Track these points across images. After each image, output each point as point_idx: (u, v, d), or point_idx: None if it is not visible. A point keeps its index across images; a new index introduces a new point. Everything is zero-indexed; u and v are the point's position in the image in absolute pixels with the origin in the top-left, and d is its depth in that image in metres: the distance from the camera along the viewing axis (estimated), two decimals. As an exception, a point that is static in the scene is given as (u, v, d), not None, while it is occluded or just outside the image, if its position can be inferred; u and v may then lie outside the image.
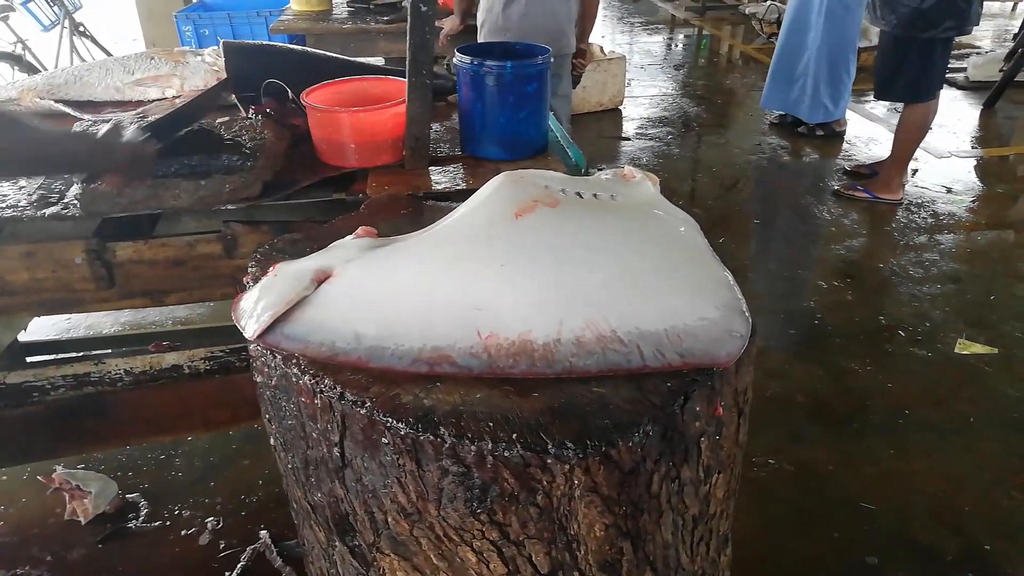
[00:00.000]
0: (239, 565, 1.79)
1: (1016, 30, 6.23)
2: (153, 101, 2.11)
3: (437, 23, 2.96)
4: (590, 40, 3.41)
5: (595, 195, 1.11)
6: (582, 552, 0.82)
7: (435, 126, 1.94)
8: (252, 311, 0.96)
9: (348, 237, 1.11)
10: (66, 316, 2.84)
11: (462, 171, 1.71)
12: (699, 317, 0.89)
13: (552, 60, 1.74)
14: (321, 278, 0.98)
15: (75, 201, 1.51)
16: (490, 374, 0.84)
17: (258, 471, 2.09)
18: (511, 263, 0.94)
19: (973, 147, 4.56)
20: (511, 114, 1.69)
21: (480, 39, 2.83)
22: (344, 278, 0.98)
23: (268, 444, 1.07)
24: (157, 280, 1.61)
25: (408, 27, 1.52)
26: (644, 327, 0.87)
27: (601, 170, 1.29)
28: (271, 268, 1.03)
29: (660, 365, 0.84)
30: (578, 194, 1.10)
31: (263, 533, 1.86)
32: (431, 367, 0.85)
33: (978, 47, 6.55)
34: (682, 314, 0.89)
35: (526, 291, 0.91)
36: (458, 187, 1.62)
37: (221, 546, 1.85)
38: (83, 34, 5.53)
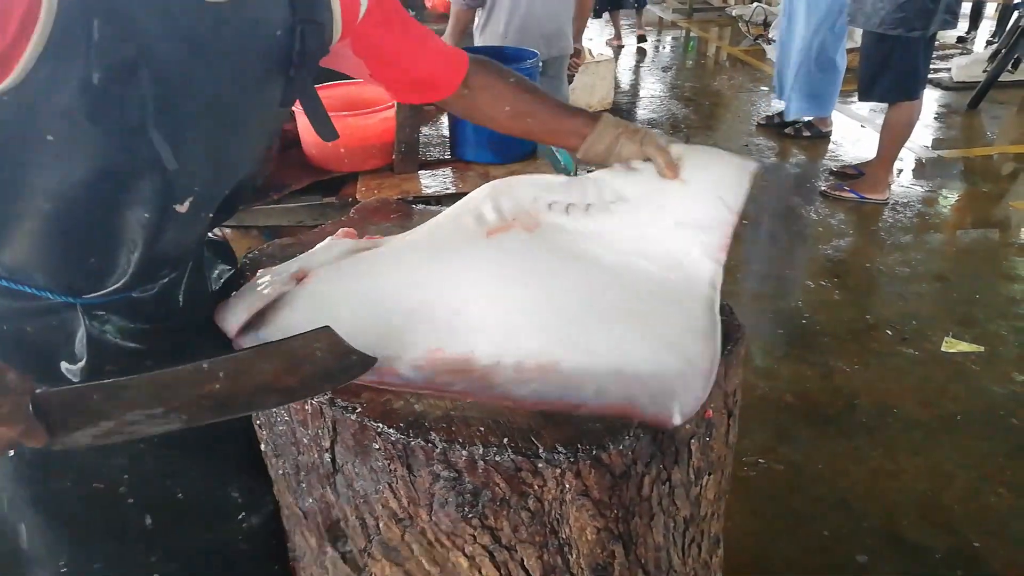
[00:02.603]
0: (230, 571, 1.77)
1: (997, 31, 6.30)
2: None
3: None
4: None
5: (589, 205, 1.03)
6: (574, 556, 0.82)
7: (424, 130, 1.95)
8: (233, 309, 0.97)
9: (329, 238, 1.12)
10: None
11: (451, 175, 1.72)
12: (656, 367, 0.82)
13: (546, 63, 1.75)
14: (300, 277, 0.99)
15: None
16: (428, 389, 0.83)
17: (248, 477, 2.08)
18: (468, 282, 0.93)
19: (958, 147, 4.60)
20: (500, 117, 1.69)
21: (479, 42, 2.81)
22: (316, 281, 0.99)
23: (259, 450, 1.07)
24: (145, 286, 1.60)
25: (396, 31, 1.52)
26: (592, 365, 0.82)
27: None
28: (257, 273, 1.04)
29: (599, 406, 0.79)
30: (568, 208, 1.03)
31: (254, 539, 1.84)
32: (379, 377, 0.85)
33: (960, 47, 6.61)
34: (637, 360, 0.83)
35: (476, 311, 0.89)
36: (448, 191, 1.63)
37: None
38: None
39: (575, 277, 0.93)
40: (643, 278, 0.94)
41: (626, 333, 0.86)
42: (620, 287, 0.92)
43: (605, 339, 0.85)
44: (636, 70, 6.49)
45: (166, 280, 0.96)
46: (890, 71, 3.37)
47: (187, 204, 0.83)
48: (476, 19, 2.84)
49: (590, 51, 5.39)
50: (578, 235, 0.99)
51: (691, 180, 1.01)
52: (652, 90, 5.92)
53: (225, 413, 0.82)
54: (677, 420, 0.77)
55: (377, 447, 0.79)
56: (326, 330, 0.85)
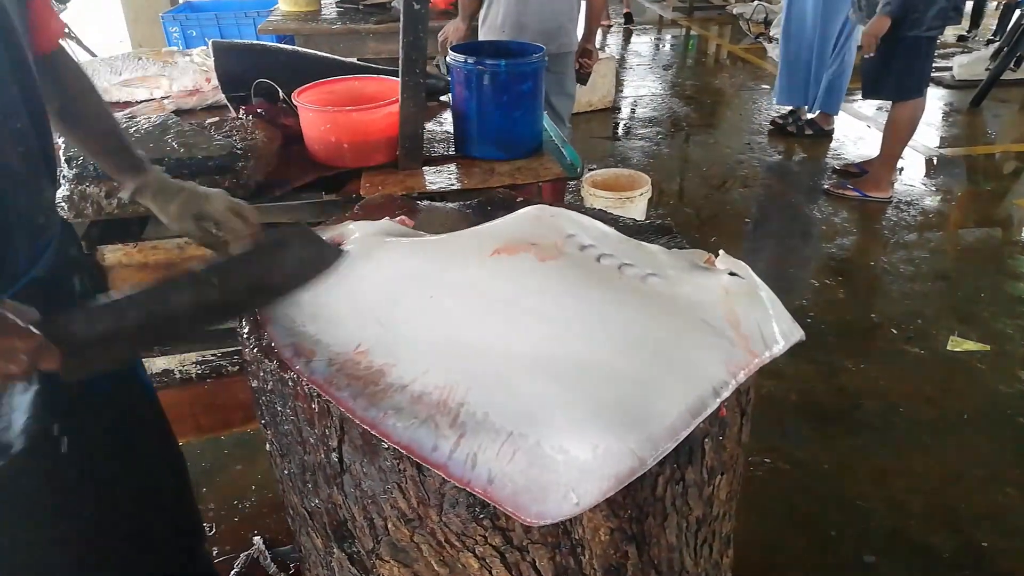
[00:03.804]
0: (233, 572, 1.77)
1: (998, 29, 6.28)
2: (141, 102, 2.08)
3: (440, 32, 2.96)
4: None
5: (625, 265, 0.93)
6: (587, 556, 0.80)
7: (428, 126, 1.93)
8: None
9: (387, 219, 1.13)
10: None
11: (456, 171, 1.70)
12: (560, 446, 0.71)
13: (548, 59, 1.74)
14: (338, 241, 1.03)
15: (62, 204, 1.49)
16: (321, 388, 0.81)
17: (251, 477, 2.06)
18: (440, 295, 0.89)
19: (961, 145, 4.59)
20: (505, 113, 1.68)
21: (481, 37, 2.83)
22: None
23: (261, 449, 1.05)
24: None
25: (401, 26, 1.50)
26: (491, 418, 0.74)
27: (684, 247, 1.08)
28: None
29: (459, 476, 0.72)
30: (601, 257, 0.94)
31: (257, 539, 1.83)
32: (295, 354, 0.87)
33: (962, 46, 6.60)
34: (546, 429, 0.72)
35: (423, 327, 0.86)
36: (452, 187, 1.61)
37: (215, 553, 1.83)
38: (68, 35, 5.47)
39: (551, 322, 0.83)
40: (629, 348, 0.81)
41: (547, 399, 0.74)
42: (591, 346, 0.80)
43: (525, 396, 0.75)
44: (637, 68, 6.47)
45: (32, 271, 0.93)
46: (894, 69, 3.37)
47: None
48: (480, 14, 2.86)
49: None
50: (590, 284, 0.88)
51: (742, 308, 0.89)
52: (652, 88, 5.91)
53: (225, 318, 0.94)
54: (537, 520, 0.69)
55: (386, 446, 0.78)
56: (299, 226, 0.93)
